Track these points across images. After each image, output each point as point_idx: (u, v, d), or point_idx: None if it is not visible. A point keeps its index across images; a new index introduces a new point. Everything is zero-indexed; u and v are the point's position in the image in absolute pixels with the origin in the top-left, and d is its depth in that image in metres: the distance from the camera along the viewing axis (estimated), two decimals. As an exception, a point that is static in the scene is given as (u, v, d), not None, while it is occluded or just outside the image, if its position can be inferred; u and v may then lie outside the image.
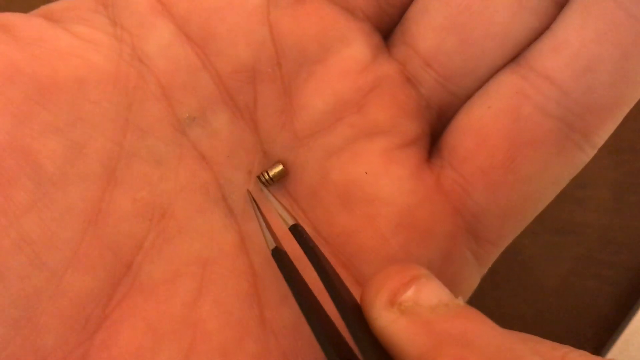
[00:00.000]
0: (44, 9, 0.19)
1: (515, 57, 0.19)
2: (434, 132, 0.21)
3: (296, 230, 0.18)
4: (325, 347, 0.15)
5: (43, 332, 0.17)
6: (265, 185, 0.20)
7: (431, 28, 0.19)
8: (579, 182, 0.34)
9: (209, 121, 0.19)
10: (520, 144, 0.19)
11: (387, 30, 0.21)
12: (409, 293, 0.15)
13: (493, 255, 0.21)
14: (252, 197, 0.20)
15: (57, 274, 0.17)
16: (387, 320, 0.15)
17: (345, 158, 0.20)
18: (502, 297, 0.33)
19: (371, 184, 0.19)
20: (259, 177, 0.20)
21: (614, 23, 0.18)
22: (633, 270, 0.33)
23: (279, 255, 0.18)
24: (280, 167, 0.20)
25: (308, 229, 0.19)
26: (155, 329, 0.18)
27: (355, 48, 0.20)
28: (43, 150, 0.17)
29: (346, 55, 0.20)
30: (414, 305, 0.15)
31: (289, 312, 0.19)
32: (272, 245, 0.18)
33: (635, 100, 0.19)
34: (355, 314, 0.16)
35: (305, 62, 0.20)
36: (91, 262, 0.18)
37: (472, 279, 0.20)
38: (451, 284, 0.19)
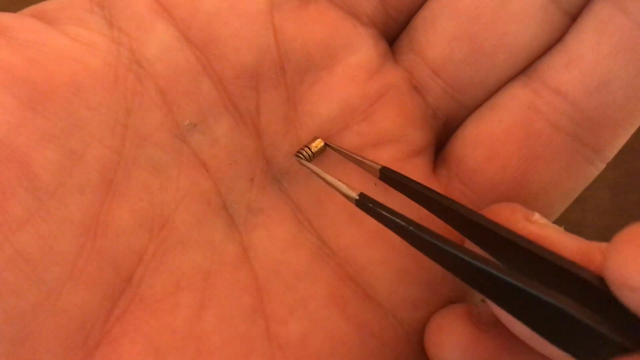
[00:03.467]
0: (36, 8, 0.19)
1: (525, 68, 0.19)
2: (440, 142, 0.20)
3: (386, 174, 0.18)
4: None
5: (40, 350, 0.17)
6: (308, 160, 0.19)
7: (440, 37, 0.19)
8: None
9: (210, 128, 0.19)
10: (532, 159, 0.19)
11: (393, 36, 0.21)
12: (537, 215, 0.17)
13: None
14: (306, 163, 0.19)
15: (54, 289, 0.17)
16: (538, 226, 0.16)
17: (352, 167, 0.19)
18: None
19: (380, 195, 0.19)
20: (299, 154, 0.19)
21: (629, 39, 0.17)
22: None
23: (368, 201, 0.17)
24: (321, 143, 0.19)
25: (314, 239, 0.19)
26: (157, 344, 0.17)
27: (361, 54, 0.19)
28: (39, 159, 0.17)
29: (352, 62, 0.19)
30: (547, 222, 0.17)
31: (296, 325, 0.18)
32: (355, 194, 0.17)
33: None
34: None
35: (310, 68, 0.19)
36: (90, 277, 0.17)
37: None
38: (465, 292, 0.19)
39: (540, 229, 0.16)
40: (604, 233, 0.32)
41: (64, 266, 0.17)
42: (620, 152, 0.33)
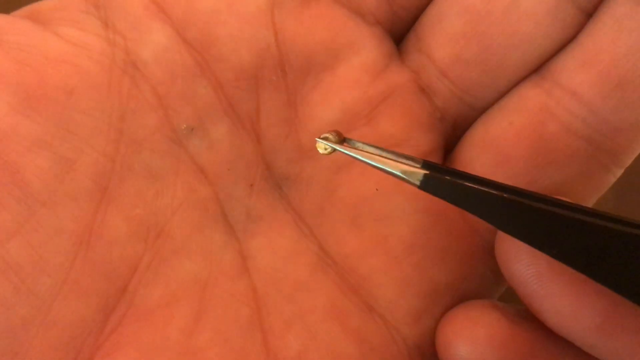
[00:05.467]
0: (29, 9, 0.18)
1: (538, 68, 0.18)
2: (448, 145, 0.20)
3: (429, 165, 0.15)
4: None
5: None
6: (341, 142, 0.17)
7: (448, 36, 0.18)
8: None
9: (208, 132, 0.18)
10: (544, 165, 0.18)
11: (400, 35, 0.20)
12: None
13: None
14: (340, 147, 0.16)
15: (46, 302, 0.16)
16: None
17: (355, 173, 0.18)
18: (503, 297, 0.33)
19: (382, 202, 0.18)
20: (326, 138, 0.17)
21: None
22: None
23: (435, 169, 0.15)
24: (342, 136, 0.17)
25: (315, 248, 0.18)
26: (152, 358, 0.17)
27: (365, 55, 0.19)
28: (30, 167, 0.16)
29: (356, 63, 0.19)
30: None
31: (294, 339, 0.18)
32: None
33: None
34: None
35: (311, 70, 0.18)
36: (83, 288, 0.16)
37: (493, 296, 0.20)
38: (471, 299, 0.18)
39: None
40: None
41: (56, 277, 0.16)
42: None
